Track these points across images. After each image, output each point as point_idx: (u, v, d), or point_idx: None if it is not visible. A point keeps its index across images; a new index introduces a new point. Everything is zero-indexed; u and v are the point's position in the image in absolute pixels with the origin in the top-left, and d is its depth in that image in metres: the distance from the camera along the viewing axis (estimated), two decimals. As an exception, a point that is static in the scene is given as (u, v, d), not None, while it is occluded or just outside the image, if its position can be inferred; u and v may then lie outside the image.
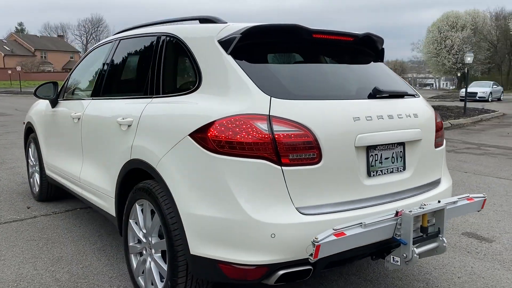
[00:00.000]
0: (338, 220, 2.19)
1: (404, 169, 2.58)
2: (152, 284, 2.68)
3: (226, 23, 2.69)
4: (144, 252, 2.78)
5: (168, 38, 2.87)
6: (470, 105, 20.57)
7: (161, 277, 2.61)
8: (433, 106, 3.07)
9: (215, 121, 2.20)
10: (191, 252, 2.29)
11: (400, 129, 2.51)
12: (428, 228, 2.36)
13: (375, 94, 2.53)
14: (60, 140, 4.11)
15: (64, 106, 4.10)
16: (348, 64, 2.83)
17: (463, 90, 29.38)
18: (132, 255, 2.91)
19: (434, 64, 62.14)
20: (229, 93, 2.31)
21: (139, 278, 2.83)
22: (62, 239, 3.85)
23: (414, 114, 2.64)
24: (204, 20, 2.84)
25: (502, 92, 31.92)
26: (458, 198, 2.58)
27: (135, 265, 2.88)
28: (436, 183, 2.82)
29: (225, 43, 2.46)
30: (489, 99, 28.59)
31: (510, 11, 56.05)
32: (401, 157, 2.57)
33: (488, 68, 59.96)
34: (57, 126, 4.15)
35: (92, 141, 3.39)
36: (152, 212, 2.64)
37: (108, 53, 3.56)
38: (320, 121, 2.21)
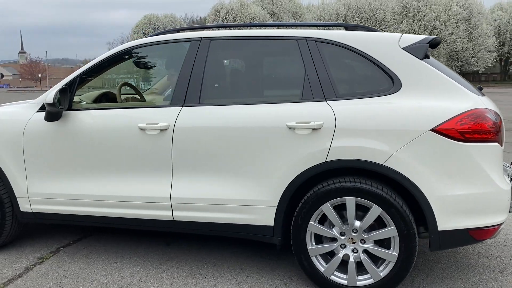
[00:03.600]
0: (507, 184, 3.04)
1: None
2: (360, 274, 2.85)
3: (377, 31, 3.09)
4: (340, 248, 2.88)
5: (326, 43, 2.98)
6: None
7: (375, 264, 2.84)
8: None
9: (458, 115, 2.68)
10: (439, 229, 2.70)
11: None
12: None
13: (480, 89, 3.44)
14: (95, 160, 3.23)
15: (94, 117, 3.26)
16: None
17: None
18: (313, 257, 2.92)
19: (142, 64, 65.00)
20: (443, 93, 2.79)
21: (332, 276, 2.90)
22: (136, 278, 3.17)
23: None
24: (351, 27, 3.13)
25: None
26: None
27: (321, 267, 2.91)
28: None
29: (414, 50, 2.89)
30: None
31: (203, 17, 63.87)
32: None
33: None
34: (85, 143, 3.23)
35: (214, 153, 2.98)
36: (359, 208, 2.81)
37: (197, 54, 3.14)
38: (497, 110, 2.99)
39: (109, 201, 3.25)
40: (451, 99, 2.76)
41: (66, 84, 3.36)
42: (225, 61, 3.24)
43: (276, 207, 2.94)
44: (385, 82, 2.87)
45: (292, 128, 2.86)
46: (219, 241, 3.82)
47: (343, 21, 54.09)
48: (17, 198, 3.46)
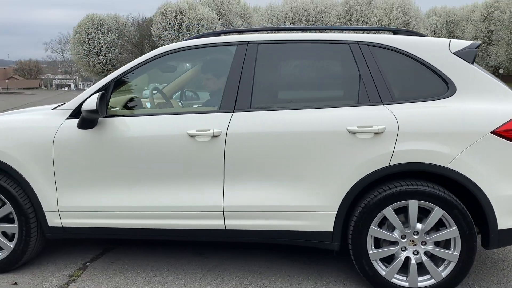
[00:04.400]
0: None
1: None
2: (420, 275, 2.89)
3: (424, 35, 3.16)
4: (401, 251, 2.90)
5: (379, 47, 3.00)
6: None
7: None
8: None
9: None
10: (499, 228, 2.80)
11: None
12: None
13: None
14: (137, 169, 3.04)
15: (135, 124, 3.08)
16: None
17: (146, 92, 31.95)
18: (374, 261, 2.93)
19: (85, 65, 62.93)
20: (496, 96, 2.89)
21: (394, 279, 2.92)
22: (179, 292, 3.02)
23: None
24: (398, 32, 3.17)
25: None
26: None
27: (382, 270, 2.92)
28: None
29: (464, 55, 2.97)
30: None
31: (148, 17, 62.60)
32: None
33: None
34: (126, 152, 3.04)
35: (270, 159, 2.91)
36: (421, 210, 2.84)
37: (245, 58, 3.05)
38: None
39: (154, 212, 3.09)
40: (504, 102, 2.87)
41: (103, 89, 3.15)
42: (275, 65, 3.17)
43: (336, 212, 2.91)
44: (440, 86, 2.94)
45: (353, 133, 2.85)
46: (250, 249, 3.74)
47: (290, 23, 54.96)
48: (45, 213, 3.20)
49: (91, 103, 2.95)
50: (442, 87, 2.93)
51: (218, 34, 3.29)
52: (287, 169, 2.94)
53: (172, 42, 55.27)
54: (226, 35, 3.29)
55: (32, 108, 3.88)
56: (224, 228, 3.05)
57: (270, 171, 2.96)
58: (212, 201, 3.02)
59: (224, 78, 3.10)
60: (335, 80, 3.16)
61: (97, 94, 3.00)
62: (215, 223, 3.05)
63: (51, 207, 3.19)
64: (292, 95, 3.21)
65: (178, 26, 53.87)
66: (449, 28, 69.25)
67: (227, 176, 3.00)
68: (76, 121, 3.14)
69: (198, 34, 3.33)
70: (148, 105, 3.72)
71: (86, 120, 3.07)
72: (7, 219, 3.29)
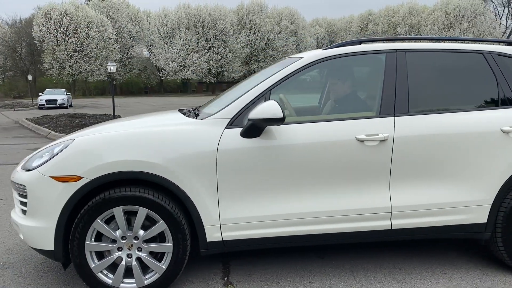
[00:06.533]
0: None
1: None
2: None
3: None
4: (539, 236, 3.34)
5: (508, 57, 3.42)
6: (61, 112, 23.31)
7: None
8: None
9: None
10: None
11: None
12: None
13: None
14: (306, 176, 3.03)
15: (302, 131, 3.07)
16: None
17: (42, 97, 29.18)
18: (515, 246, 3.32)
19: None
20: None
21: (530, 260, 3.35)
22: (354, 294, 3.08)
23: None
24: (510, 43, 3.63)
25: (71, 98, 33.56)
26: None
27: (521, 253, 3.33)
28: None
29: None
30: (68, 105, 29.62)
31: (25, 18, 57.44)
32: None
33: (10, 75, 59.38)
34: (295, 159, 3.01)
35: (432, 160, 3.14)
36: None
37: (397, 65, 3.25)
38: None
39: (320, 218, 3.10)
40: None
41: (261, 97, 3.12)
42: (423, 71, 3.39)
43: (490, 205, 3.24)
44: None
45: (506, 132, 3.21)
46: (346, 248, 3.89)
47: (185, 29, 54.68)
48: (204, 227, 3.01)
49: (275, 112, 2.88)
50: None
51: (359, 42, 3.42)
52: (449, 168, 3.19)
53: (58, 45, 51.37)
54: (367, 43, 3.44)
55: (156, 118, 3.59)
56: (390, 228, 3.19)
57: (433, 171, 3.18)
58: (379, 203, 3.14)
59: (371, 83, 3.26)
60: (475, 85, 3.48)
61: (273, 101, 2.94)
62: (381, 224, 3.17)
63: (212, 221, 3.02)
64: (440, 99, 3.46)
65: (65, 28, 50.28)
66: (330, 38, 74.76)
67: (393, 178, 3.15)
68: (235, 130, 3.04)
69: (340, 42, 3.41)
70: None
71: (256, 128, 2.99)
72: (152, 238, 3.03)
